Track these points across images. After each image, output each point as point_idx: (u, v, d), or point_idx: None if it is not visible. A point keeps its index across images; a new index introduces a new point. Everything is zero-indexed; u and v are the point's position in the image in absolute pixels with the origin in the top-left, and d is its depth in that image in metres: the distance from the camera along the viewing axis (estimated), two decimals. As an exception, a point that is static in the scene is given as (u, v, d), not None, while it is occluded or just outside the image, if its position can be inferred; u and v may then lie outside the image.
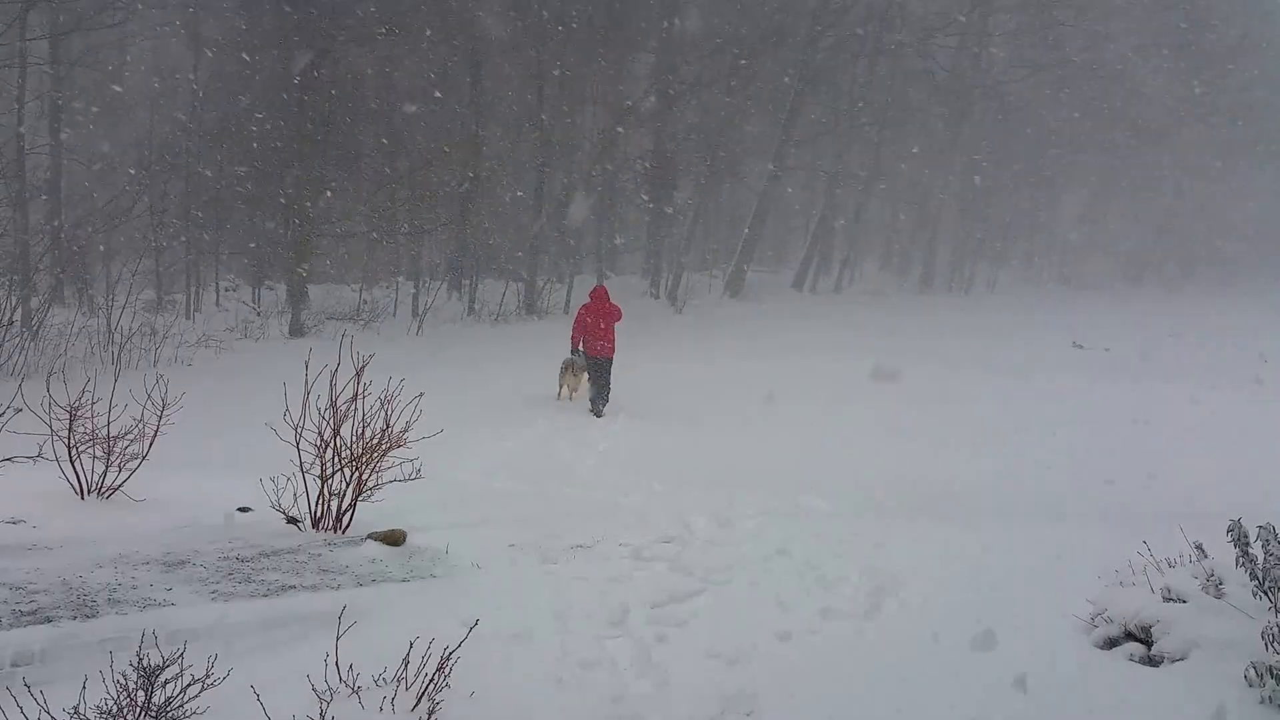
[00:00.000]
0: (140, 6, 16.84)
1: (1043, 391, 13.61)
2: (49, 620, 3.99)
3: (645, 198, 23.61)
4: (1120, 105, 28.68)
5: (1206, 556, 4.27)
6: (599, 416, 11.55)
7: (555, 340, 16.84)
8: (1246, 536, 3.85)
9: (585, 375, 11.92)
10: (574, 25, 20.17)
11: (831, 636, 4.71)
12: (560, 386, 12.22)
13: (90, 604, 4.23)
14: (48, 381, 6.03)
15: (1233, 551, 3.87)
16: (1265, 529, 3.76)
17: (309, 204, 17.20)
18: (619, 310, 12.07)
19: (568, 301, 21.02)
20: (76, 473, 5.77)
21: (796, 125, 24.58)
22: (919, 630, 4.69)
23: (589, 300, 12.02)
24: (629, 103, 21.77)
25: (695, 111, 23.42)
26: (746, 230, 25.43)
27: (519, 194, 21.27)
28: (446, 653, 3.55)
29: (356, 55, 18.51)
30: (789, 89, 23.80)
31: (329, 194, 18.00)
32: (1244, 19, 31.68)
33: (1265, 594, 3.79)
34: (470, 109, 19.94)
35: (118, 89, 18.07)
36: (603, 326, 11.76)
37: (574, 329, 12.05)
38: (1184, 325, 21.58)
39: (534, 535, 6.09)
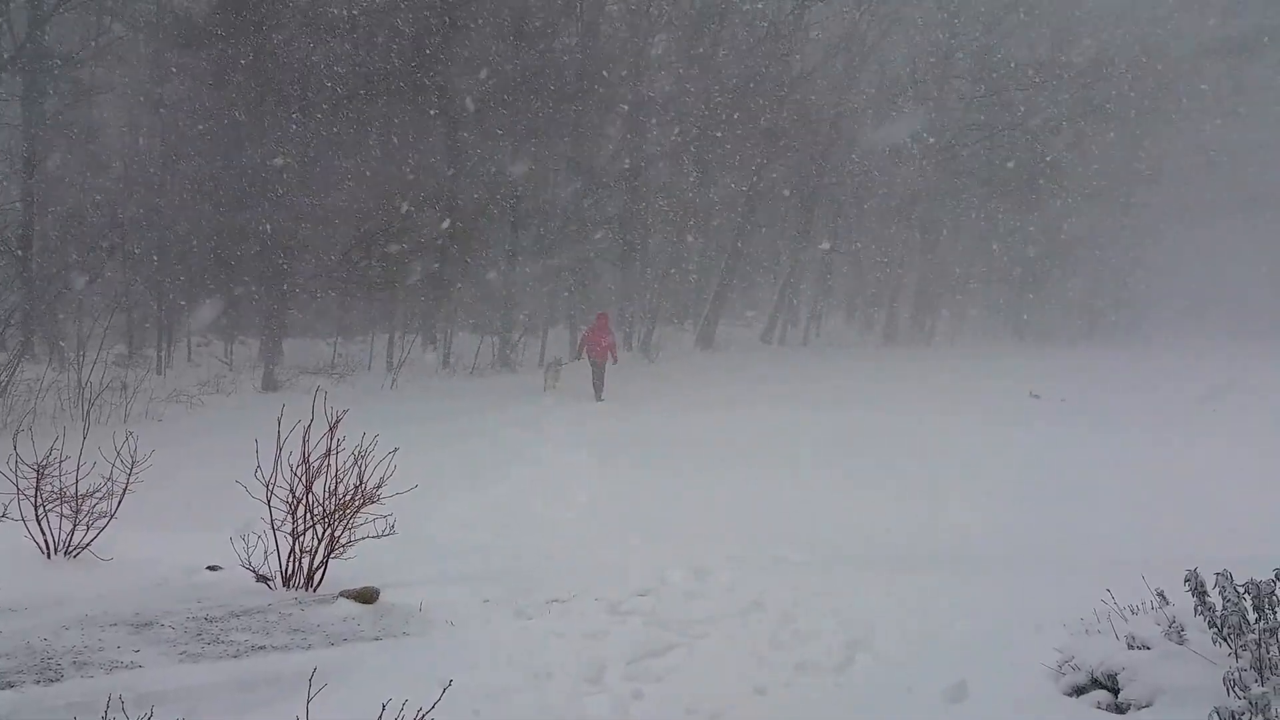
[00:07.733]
0: (110, 62, 16.96)
1: (1005, 441, 13.78)
2: (11, 686, 3.93)
3: (617, 254, 23.89)
4: (1069, 168, 29.92)
5: (1168, 603, 4.37)
6: (600, 401, 16.27)
7: (531, 393, 16.92)
8: (1203, 585, 3.95)
9: (560, 374, 17.02)
10: (548, 85, 20.58)
11: (807, 690, 4.72)
12: (545, 382, 17.03)
13: (55, 667, 4.16)
14: (15, 439, 5.97)
15: (1192, 599, 3.97)
16: (1222, 575, 3.87)
17: (282, 259, 17.23)
18: (612, 333, 17.26)
19: (541, 354, 21.06)
20: (43, 532, 5.69)
21: (763, 185, 25.14)
22: (893, 682, 4.72)
23: (595, 321, 17.34)
24: (599, 165, 22.18)
25: (665, 172, 23.90)
26: (717, 284, 25.80)
27: (490, 251, 21.41)
28: (420, 714, 3.52)
29: (328, 112, 18.73)
30: (755, 151, 24.37)
31: (303, 247, 18.00)
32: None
33: (1225, 640, 3.88)
34: (445, 164, 20.17)
35: (90, 145, 18.06)
36: (602, 343, 16.69)
37: (580, 343, 17.45)
38: (1136, 376, 22.00)
39: (509, 590, 6.06)
